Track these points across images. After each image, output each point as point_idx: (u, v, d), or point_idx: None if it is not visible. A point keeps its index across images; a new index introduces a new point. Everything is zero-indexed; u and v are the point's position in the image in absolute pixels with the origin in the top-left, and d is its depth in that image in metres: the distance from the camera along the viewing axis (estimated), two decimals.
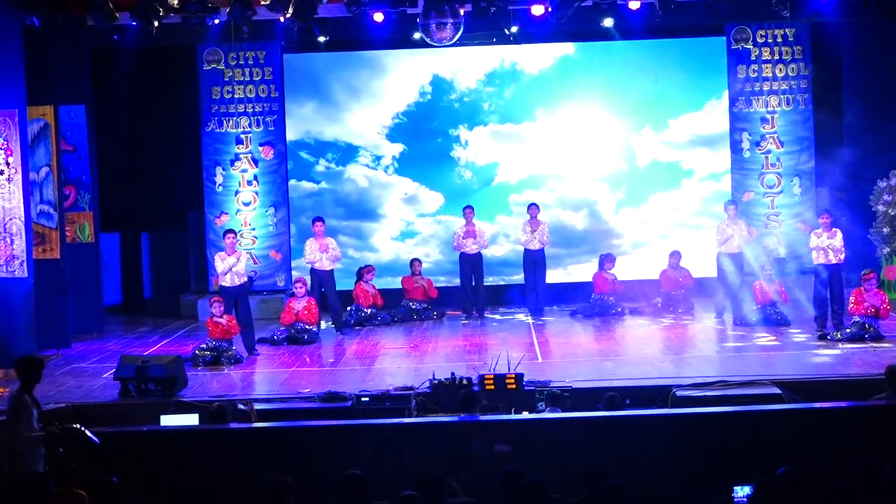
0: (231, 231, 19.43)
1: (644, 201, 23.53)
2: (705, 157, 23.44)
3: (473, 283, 21.84)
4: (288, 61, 23.48)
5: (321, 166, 23.63)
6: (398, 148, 23.62)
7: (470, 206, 21.92)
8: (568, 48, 23.38)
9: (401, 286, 22.12)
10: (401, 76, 23.55)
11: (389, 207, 23.69)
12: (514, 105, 23.49)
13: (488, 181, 23.57)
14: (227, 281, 18.74)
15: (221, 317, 18.20)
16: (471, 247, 21.64)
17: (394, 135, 23.59)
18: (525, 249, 21.71)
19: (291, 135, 23.55)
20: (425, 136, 23.64)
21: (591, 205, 23.55)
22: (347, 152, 23.64)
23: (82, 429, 11.79)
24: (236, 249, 19.06)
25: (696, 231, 23.21)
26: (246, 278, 19.15)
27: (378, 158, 23.61)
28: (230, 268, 18.65)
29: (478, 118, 23.54)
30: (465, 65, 23.45)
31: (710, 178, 23.42)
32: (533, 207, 21.76)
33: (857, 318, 17.73)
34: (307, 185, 23.68)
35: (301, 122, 23.64)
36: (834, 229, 18.60)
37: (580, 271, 23.13)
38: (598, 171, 23.54)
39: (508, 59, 23.40)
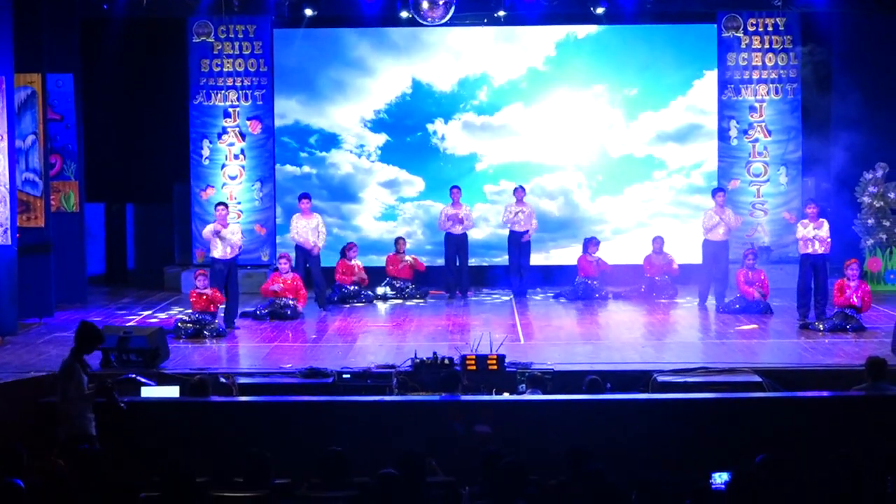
0: (223, 203, 19.35)
1: (622, 189, 23.50)
2: (689, 146, 23.42)
3: (458, 264, 21.82)
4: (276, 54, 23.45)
5: (304, 152, 23.59)
6: (381, 138, 23.56)
7: (457, 187, 21.89)
8: (558, 32, 23.31)
9: (384, 265, 22.06)
10: (383, 79, 23.56)
11: (372, 191, 23.63)
12: (499, 95, 23.45)
13: (469, 170, 23.50)
14: (219, 252, 18.69)
15: (205, 289, 18.15)
16: (455, 227, 21.61)
17: (376, 126, 23.54)
18: (511, 231, 21.69)
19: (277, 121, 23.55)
20: (406, 129, 23.59)
21: (567, 193, 23.50)
22: (330, 140, 23.59)
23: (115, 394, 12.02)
24: (228, 223, 19.01)
25: (675, 219, 23.24)
26: (238, 251, 19.11)
27: (361, 146, 23.54)
28: (216, 233, 18.59)
29: (457, 110, 23.55)
30: (449, 67, 23.49)
31: (693, 167, 23.40)
32: (519, 190, 21.75)
33: (839, 309, 17.75)
34: (290, 168, 23.61)
35: (287, 111, 23.62)
36: (821, 220, 18.59)
37: (562, 255, 23.11)
38: (578, 158, 23.49)
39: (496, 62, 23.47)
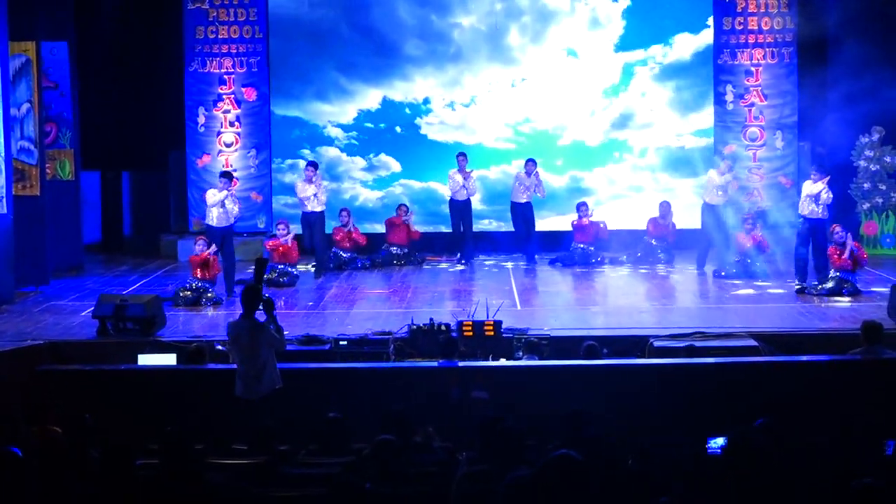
0: (229, 174, 19.55)
1: (608, 160, 23.42)
2: (685, 115, 23.31)
3: (462, 230, 21.77)
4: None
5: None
6: (367, 127, 23.51)
7: (463, 153, 21.81)
8: None
9: (383, 231, 22.04)
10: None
11: (361, 173, 23.55)
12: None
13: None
14: (213, 220, 18.71)
15: (202, 252, 18.09)
16: (461, 193, 21.56)
17: (361, 119, 23.49)
18: (512, 202, 21.61)
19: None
20: (391, 119, 23.47)
21: (555, 163, 23.40)
22: (315, 131, 23.56)
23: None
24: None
25: (670, 184, 23.18)
26: (234, 219, 19.11)
27: (349, 136, 23.51)
28: (220, 202, 18.65)
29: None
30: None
31: (688, 135, 23.29)
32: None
33: (835, 273, 17.74)
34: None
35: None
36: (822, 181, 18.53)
37: (557, 222, 22.99)
38: (572, 125, 23.42)
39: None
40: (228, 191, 18.92)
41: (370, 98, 23.41)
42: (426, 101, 23.38)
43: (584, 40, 23.16)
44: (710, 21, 22.96)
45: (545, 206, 22.58)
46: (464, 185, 21.48)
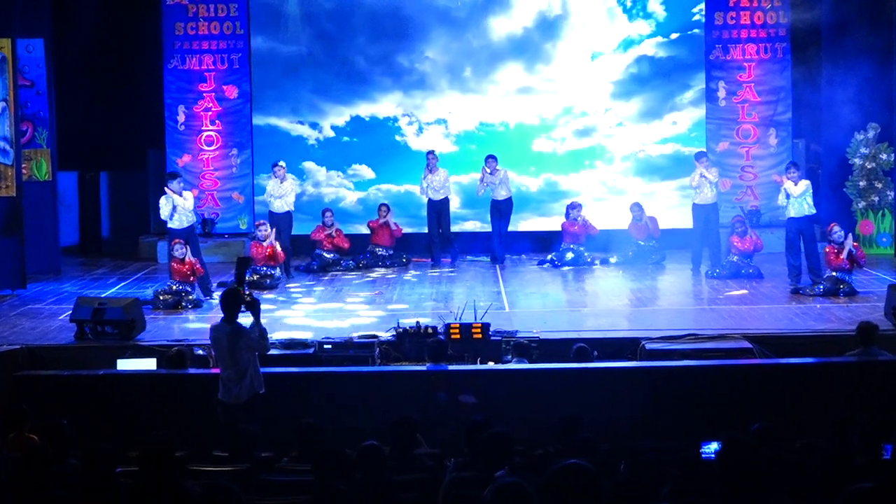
0: (175, 173, 19.65)
1: (598, 161, 23.43)
2: (676, 114, 23.31)
3: (440, 231, 21.77)
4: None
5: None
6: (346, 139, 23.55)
7: (432, 152, 21.81)
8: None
9: (364, 233, 22.01)
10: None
11: (338, 179, 23.56)
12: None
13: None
14: (176, 223, 18.76)
15: (184, 258, 18.07)
16: (438, 193, 21.58)
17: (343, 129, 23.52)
18: (492, 199, 21.62)
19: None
20: (372, 131, 23.49)
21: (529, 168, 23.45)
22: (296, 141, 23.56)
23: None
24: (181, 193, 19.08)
25: (662, 183, 23.18)
26: (195, 218, 19.12)
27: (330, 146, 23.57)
28: (174, 207, 18.71)
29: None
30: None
31: (675, 137, 23.31)
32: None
33: (832, 273, 17.75)
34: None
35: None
36: (802, 181, 18.61)
37: (546, 222, 22.98)
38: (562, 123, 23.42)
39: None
40: (173, 191, 18.92)
41: (343, 114, 23.42)
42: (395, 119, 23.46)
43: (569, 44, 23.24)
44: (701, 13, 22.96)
45: (527, 208, 22.64)
46: (433, 185, 21.57)
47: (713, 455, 8.55)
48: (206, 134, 23.19)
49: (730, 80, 22.96)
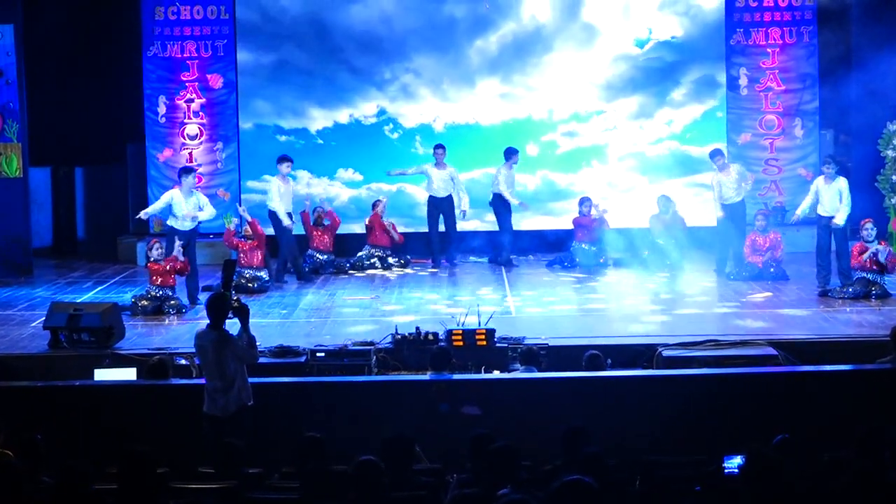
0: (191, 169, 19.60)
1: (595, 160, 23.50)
2: (692, 101, 23.33)
3: (445, 230, 21.76)
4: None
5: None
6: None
7: (441, 145, 21.79)
8: None
9: (358, 232, 22.02)
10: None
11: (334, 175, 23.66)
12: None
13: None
14: (178, 222, 18.78)
15: (162, 260, 18.07)
16: (441, 190, 21.58)
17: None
18: (499, 195, 21.62)
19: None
20: (365, 133, 23.55)
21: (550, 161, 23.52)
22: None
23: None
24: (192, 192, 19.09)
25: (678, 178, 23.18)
26: (197, 221, 19.14)
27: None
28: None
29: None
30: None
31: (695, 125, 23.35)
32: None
33: (862, 275, 17.73)
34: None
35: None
36: (838, 178, 18.57)
37: (556, 220, 23.02)
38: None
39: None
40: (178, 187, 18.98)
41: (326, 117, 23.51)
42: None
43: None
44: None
45: (530, 208, 22.70)
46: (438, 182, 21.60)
47: (736, 470, 8.57)
48: (188, 126, 23.19)
49: (752, 67, 22.94)
